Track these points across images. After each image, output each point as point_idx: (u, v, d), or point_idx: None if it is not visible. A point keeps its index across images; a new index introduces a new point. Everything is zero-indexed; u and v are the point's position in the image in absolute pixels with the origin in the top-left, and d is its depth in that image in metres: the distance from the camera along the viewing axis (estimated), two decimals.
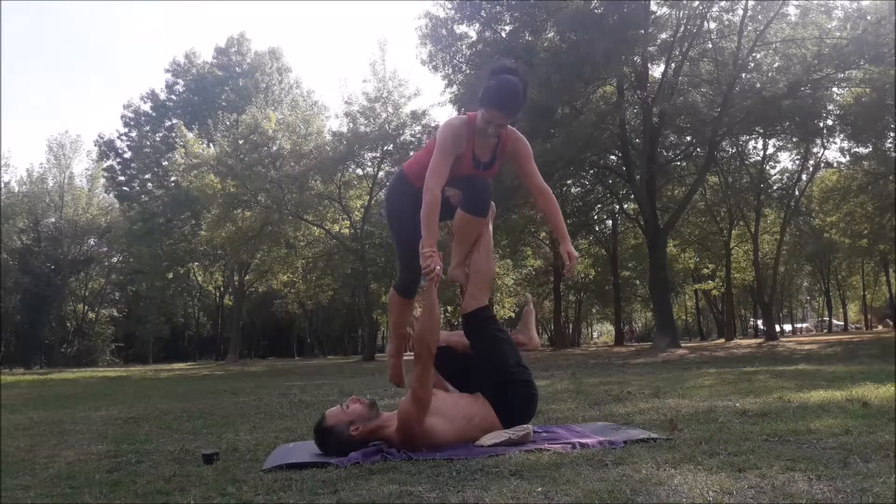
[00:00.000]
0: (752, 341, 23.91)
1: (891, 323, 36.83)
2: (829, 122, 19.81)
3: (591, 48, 15.79)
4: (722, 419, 3.20)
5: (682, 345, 20.06)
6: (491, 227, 3.24)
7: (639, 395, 4.87)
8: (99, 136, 41.93)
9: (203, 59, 38.03)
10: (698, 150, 20.67)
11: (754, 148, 23.67)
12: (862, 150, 20.82)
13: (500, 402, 2.84)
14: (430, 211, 2.77)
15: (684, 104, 18.30)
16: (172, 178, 32.36)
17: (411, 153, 22.91)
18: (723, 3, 18.23)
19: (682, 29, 18.00)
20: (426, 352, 2.67)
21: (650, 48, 17.80)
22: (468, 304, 3.05)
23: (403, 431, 2.67)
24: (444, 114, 25.06)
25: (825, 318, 44.93)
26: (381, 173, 25.07)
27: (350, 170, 24.97)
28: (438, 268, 2.65)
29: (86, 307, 39.80)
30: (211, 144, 27.99)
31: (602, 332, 58.85)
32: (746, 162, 23.61)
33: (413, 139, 23.04)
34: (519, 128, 3.12)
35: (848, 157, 21.79)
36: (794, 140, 22.15)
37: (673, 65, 18.53)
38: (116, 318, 40.95)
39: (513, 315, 40.99)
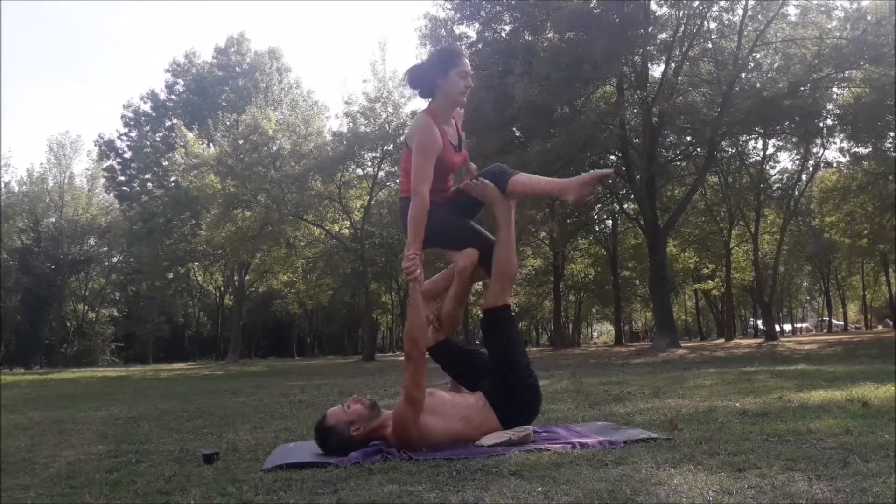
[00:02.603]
0: (752, 341, 23.91)
1: (891, 323, 36.84)
2: (829, 122, 19.83)
3: (590, 47, 15.79)
4: (722, 419, 3.20)
5: (682, 345, 20.05)
6: (513, 220, 3.15)
7: (639, 395, 4.87)
8: (99, 136, 42.02)
9: (203, 59, 38.10)
10: (698, 149, 20.66)
11: (754, 148, 23.71)
12: (862, 150, 20.83)
13: (504, 404, 2.83)
14: (419, 215, 2.76)
15: (684, 104, 18.29)
16: (172, 178, 32.40)
17: None
18: (723, 3, 18.21)
19: (682, 29, 17.99)
20: (416, 351, 2.67)
21: (650, 48, 17.79)
22: (490, 300, 3.02)
23: (398, 434, 2.66)
24: None
25: (825, 318, 44.95)
26: (381, 173, 25.08)
27: (350, 170, 24.99)
28: (419, 271, 2.68)
29: (86, 307, 39.81)
30: (211, 144, 28.01)
31: (602, 331, 58.89)
32: (746, 162, 23.62)
33: None
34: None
35: (848, 157, 21.81)
36: (794, 140, 22.15)
37: (673, 65, 18.51)
38: (116, 318, 40.98)
39: (513, 315, 41.12)
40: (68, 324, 38.69)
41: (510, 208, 3.09)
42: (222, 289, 36.76)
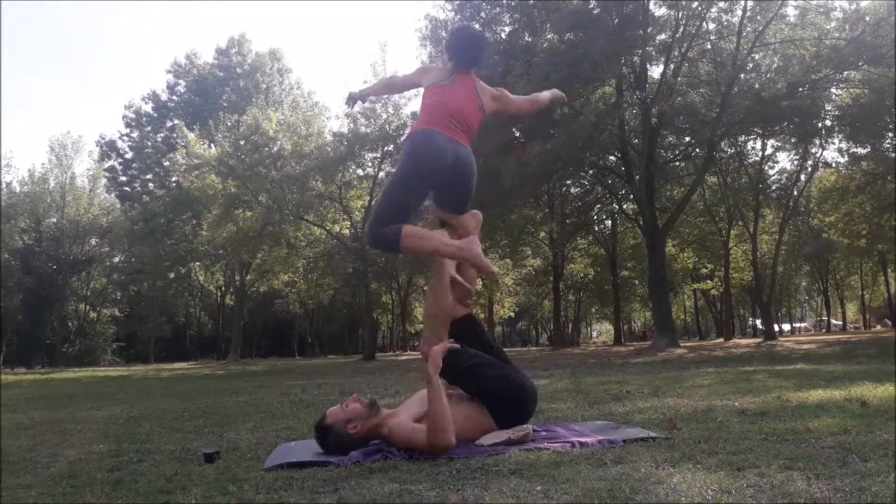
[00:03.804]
0: (751, 341, 23.92)
1: (889, 322, 36.87)
2: (828, 123, 19.83)
3: (589, 48, 15.80)
4: (721, 418, 3.21)
5: (681, 344, 20.06)
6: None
7: (638, 394, 4.88)
8: (100, 136, 42.00)
9: (204, 59, 38.13)
10: (697, 150, 20.68)
11: (753, 148, 23.73)
12: (860, 151, 20.86)
13: (494, 410, 2.82)
14: None
15: (683, 105, 18.30)
16: (174, 179, 32.42)
17: None
18: (722, 4, 18.22)
19: (681, 29, 18.01)
20: (449, 442, 2.55)
21: (649, 48, 17.81)
22: (422, 348, 2.96)
23: (402, 447, 2.63)
24: None
25: (823, 318, 44.97)
26: (381, 174, 25.09)
27: (351, 170, 25.00)
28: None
29: (87, 307, 39.83)
30: (212, 145, 28.04)
31: (601, 331, 58.91)
32: (745, 162, 23.64)
33: None
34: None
35: (846, 158, 21.84)
36: (793, 140, 22.16)
37: (672, 65, 18.52)
38: (118, 317, 41.00)
39: (513, 315, 41.08)
40: (70, 323, 38.70)
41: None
42: (223, 289, 36.78)
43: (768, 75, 18.24)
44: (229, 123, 28.49)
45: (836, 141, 21.16)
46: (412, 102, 23.79)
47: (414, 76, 3.22)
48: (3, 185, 36.04)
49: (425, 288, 34.66)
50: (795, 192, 25.49)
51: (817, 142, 21.85)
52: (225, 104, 34.02)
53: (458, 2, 19.59)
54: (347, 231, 26.72)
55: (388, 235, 2.75)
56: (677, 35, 17.95)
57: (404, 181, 2.88)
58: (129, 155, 37.71)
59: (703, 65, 19.80)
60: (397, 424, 2.67)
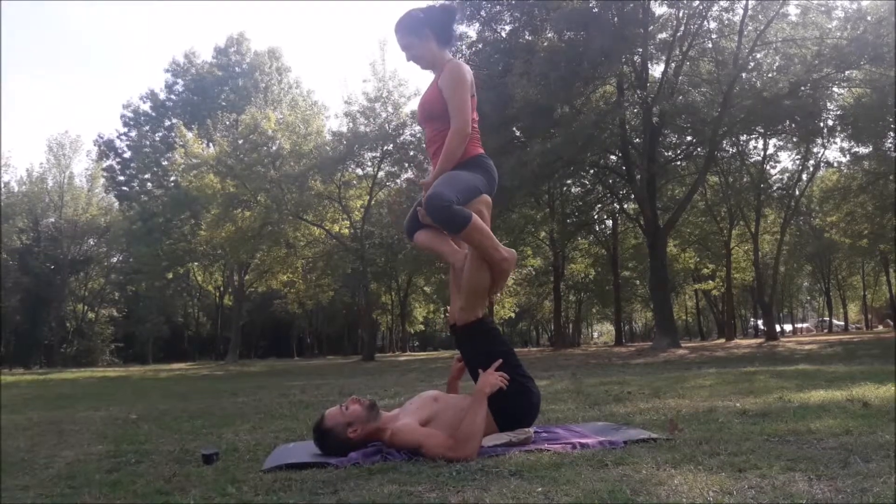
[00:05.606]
0: (753, 341, 23.92)
1: (891, 323, 36.88)
2: (830, 122, 19.84)
3: (588, 46, 15.80)
4: (722, 419, 3.20)
5: (683, 345, 20.06)
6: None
7: (639, 395, 4.87)
8: (98, 135, 42.05)
9: (202, 59, 38.13)
10: (698, 149, 20.68)
11: (754, 148, 23.71)
12: (862, 150, 20.84)
13: (499, 411, 2.77)
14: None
15: (684, 104, 18.30)
16: (172, 178, 32.43)
17: (411, 153, 22.90)
18: (723, 3, 18.23)
19: (682, 28, 18.01)
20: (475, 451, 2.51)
21: (650, 47, 17.80)
22: (461, 317, 2.89)
23: (408, 448, 2.59)
24: None
25: (825, 318, 44.95)
26: (381, 173, 25.07)
27: (350, 170, 24.98)
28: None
29: (85, 307, 39.82)
30: (210, 144, 28.01)
31: (602, 332, 58.90)
32: (747, 162, 23.62)
33: (413, 139, 23.03)
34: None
35: (848, 157, 21.83)
36: (795, 140, 22.15)
37: (673, 64, 18.53)
38: (116, 318, 40.98)
39: (513, 315, 41.09)
40: (68, 324, 38.68)
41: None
42: (222, 289, 36.77)
43: (770, 74, 18.25)
44: (228, 123, 28.52)
45: (837, 140, 21.18)
46: (411, 102, 23.80)
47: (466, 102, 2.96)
48: (2, 185, 36.03)
49: (425, 288, 34.70)
50: (797, 192, 25.48)
51: (819, 141, 21.84)
52: (223, 103, 34.04)
53: (457, 1, 19.59)
54: (347, 231, 26.70)
55: (460, 214, 2.73)
56: (678, 34, 17.95)
57: (479, 192, 2.93)
58: (127, 154, 37.72)
59: (705, 64, 19.79)
60: (404, 426, 2.63)
